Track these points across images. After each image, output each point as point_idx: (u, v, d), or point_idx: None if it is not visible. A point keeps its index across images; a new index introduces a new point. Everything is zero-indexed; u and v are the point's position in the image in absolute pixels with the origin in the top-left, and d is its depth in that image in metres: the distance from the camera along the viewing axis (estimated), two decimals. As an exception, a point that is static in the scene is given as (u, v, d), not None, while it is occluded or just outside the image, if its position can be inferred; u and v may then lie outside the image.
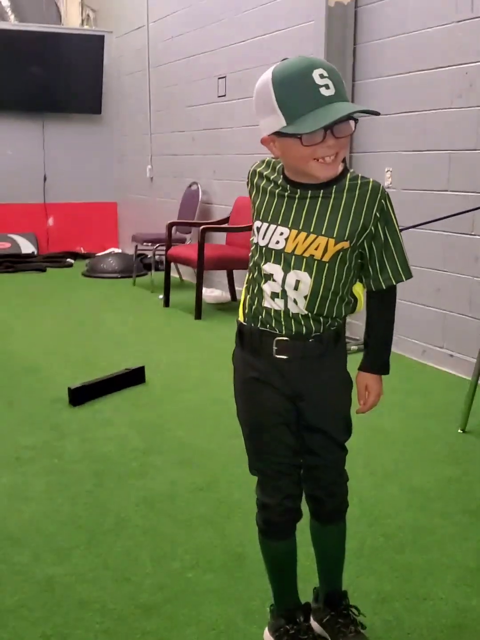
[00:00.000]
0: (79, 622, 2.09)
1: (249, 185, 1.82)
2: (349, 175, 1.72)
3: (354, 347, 4.74)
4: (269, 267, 1.73)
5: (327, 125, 1.55)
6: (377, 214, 1.71)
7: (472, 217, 4.17)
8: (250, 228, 1.83)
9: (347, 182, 1.70)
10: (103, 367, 4.40)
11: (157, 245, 6.94)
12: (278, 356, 1.76)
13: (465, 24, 4.10)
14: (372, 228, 1.72)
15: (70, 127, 9.16)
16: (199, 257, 5.79)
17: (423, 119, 4.45)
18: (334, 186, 1.69)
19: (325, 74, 1.56)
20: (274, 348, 1.76)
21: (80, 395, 3.83)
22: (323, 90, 1.55)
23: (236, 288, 6.53)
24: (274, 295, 1.74)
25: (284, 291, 1.72)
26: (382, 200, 1.71)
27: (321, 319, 1.75)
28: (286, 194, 1.72)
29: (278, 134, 1.63)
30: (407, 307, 4.71)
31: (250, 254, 1.80)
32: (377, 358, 1.86)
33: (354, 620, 1.97)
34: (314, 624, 2.01)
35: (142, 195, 8.73)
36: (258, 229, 1.75)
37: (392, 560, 2.41)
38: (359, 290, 1.83)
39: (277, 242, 1.72)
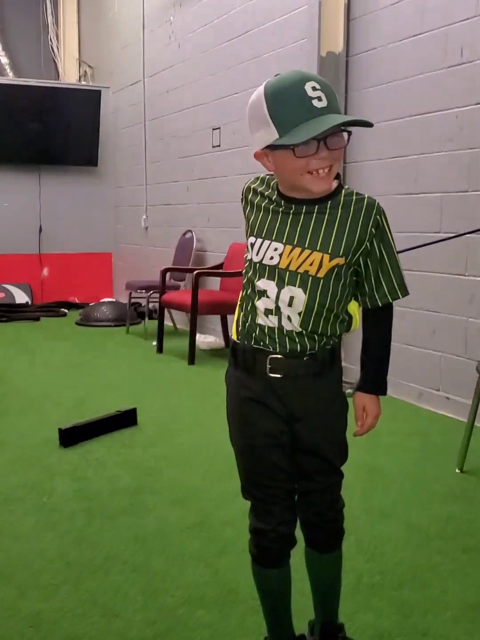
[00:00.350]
0: (65, 658, 2.01)
1: (243, 201, 1.80)
2: (344, 191, 1.70)
3: (349, 390, 4.71)
4: (262, 283, 1.71)
5: (318, 135, 1.54)
6: (373, 230, 1.69)
7: (465, 257, 4.18)
8: None
9: (342, 198, 1.69)
10: (95, 410, 4.34)
11: (151, 292, 6.94)
12: (272, 375, 1.72)
13: (454, 69, 4.17)
14: (368, 244, 1.70)
15: (66, 179, 9.24)
16: (193, 301, 5.78)
17: (415, 163, 4.50)
18: (329, 202, 1.68)
19: (318, 86, 1.56)
20: (268, 366, 1.72)
21: (71, 437, 3.77)
22: (315, 102, 1.55)
23: (229, 334, 6.49)
24: (268, 312, 1.71)
25: (277, 308, 1.69)
26: (378, 216, 1.69)
27: (316, 337, 1.72)
28: (280, 209, 1.70)
29: (271, 147, 1.62)
30: (403, 350, 4.69)
31: (243, 271, 1.78)
32: (375, 378, 1.82)
33: None
34: None
35: (137, 245, 8.78)
36: (252, 245, 1.73)
37: (390, 597, 2.33)
38: (354, 308, 1.80)
39: (271, 258, 1.70)
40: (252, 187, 1.79)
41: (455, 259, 4.25)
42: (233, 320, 1.83)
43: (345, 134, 1.61)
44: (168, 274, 6.73)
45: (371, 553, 2.62)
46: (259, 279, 1.71)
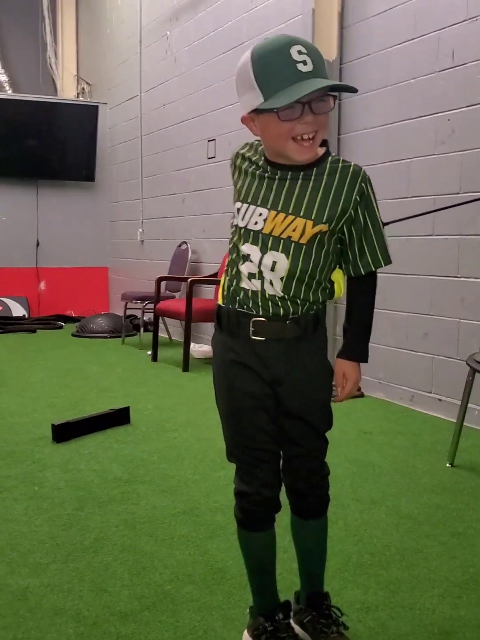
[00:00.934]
0: (51, 627, 2.01)
1: (232, 167, 1.83)
2: (330, 158, 1.72)
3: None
4: (246, 248, 1.73)
5: (301, 98, 1.56)
6: (357, 198, 1.70)
7: (457, 259, 4.22)
8: None
9: (328, 165, 1.70)
10: (88, 411, 4.36)
11: (146, 302, 6.97)
12: (255, 337, 1.74)
13: (446, 73, 4.23)
14: (352, 212, 1.71)
15: (63, 194, 9.30)
16: (187, 308, 5.81)
17: (408, 167, 4.55)
18: (315, 168, 1.70)
19: (304, 50, 1.58)
20: (251, 329, 1.74)
21: (64, 432, 3.78)
22: (300, 66, 1.56)
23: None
24: (251, 276, 1.73)
25: (260, 272, 1.72)
26: (363, 184, 1.71)
27: (298, 302, 1.73)
28: (266, 175, 1.72)
29: (257, 111, 1.65)
30: (395, 353, 4.72)
31: (230, 237, 1.80)
32: (356, 345, 1.84)
33: (337, 621, 1.90)
34: (294, 626, 1.93)
35: (133, 258, 8.82)
36: (238, 210, 1.76)
37: (377, 575, 2.34)
38: (338, 276, 1.82)
39: (256, 223, 1.72)
40: (240, 152, 1.81)
41: (446, 261, 4.29)
42: (219, 286, 1.86)
43: (330, 99, 1.62)
44: (163, 285, 6.76)
45: (360, 536, 2.62)
46: (243, 244, 1.74)
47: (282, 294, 1.72)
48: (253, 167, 1.76)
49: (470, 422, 3.95)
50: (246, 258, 1.73)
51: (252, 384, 1.76)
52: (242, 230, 1.75)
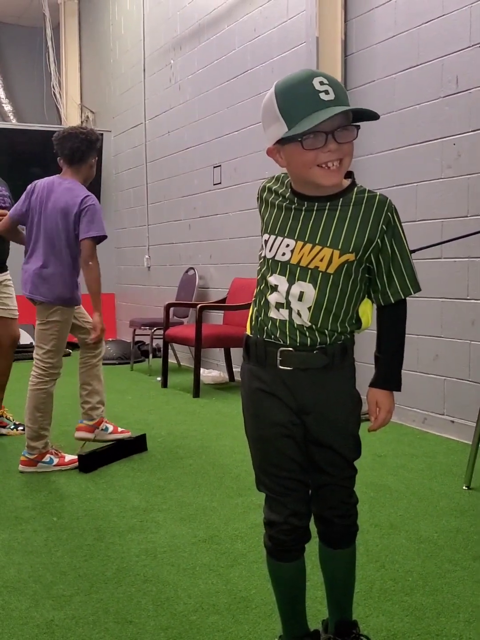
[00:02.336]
0: (80, 660, 2.01)
1: (259, 200, 1.86)
2: (356, 188, 1.74)
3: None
4: (274, 279, 1.75)
5: (322, 124, 1.58)
6: (384, 227, 1.72)
7: (467, 282, 4.24)
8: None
9: (354, 195, 1.73)
10: (101, 441, 4.38)
11: (155, 328, 7.00)
12: (282, 367, 1.76)
13: (450, 98, 4.28)
14: (379, 241, 1.73)
15: (69, 222, 9.33)
16: (197, 334, 5.83)
17: (415, 191, 4.59)
18: (341, 199, 1.72)
19: (326, 81, 1.62)
20: (279, 359, 1.76)
21: (89, 462, 3.76)
22: (322, 96, 1.60)
23: (234, 368, 6.53)
24: (279, 306, 1.75)
25: (288, 302, 1.74)
26: (389, 213, 1.72)
27: (326, 332, 1.75)
28: (293, 206, 1.75)
29: (282, 142, 1.67)
30: (406, 375, 4.69)
31: (258, 268, 1.83)
32: (388, 373, 1.84)
33: None
34: None
35: (140, 284, 8.85)
36: (266, 242, 1.78)
37: (402, 602, 2.34)
38: (365, 308, 1.84)
39: (283, 254, 1.74)
40: (267, 186, 1.84)
41: (456, 283, 4.31)
42: (248, 316, 1.88)
43: (354, 129, 1.65)
44: (171, 311, 6.79)
45: (382, 562, 2.62)
46: (271, 275, 1.76)
47: (310, 324, 1.74)
48: (280, 199, 1.78)
49: (485, 444, 3.95)
50: (274, 289, 1.75)
51: (279, 413, 1.78)
52: (270, 261, 1.77)
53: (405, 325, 1.85)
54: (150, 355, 7.24)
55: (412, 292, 1.79)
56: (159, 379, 6.50)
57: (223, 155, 6.74)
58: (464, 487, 3.44)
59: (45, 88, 10.25)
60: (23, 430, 4.41)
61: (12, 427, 4.84)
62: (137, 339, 7.73)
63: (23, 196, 4.12)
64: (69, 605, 2.33)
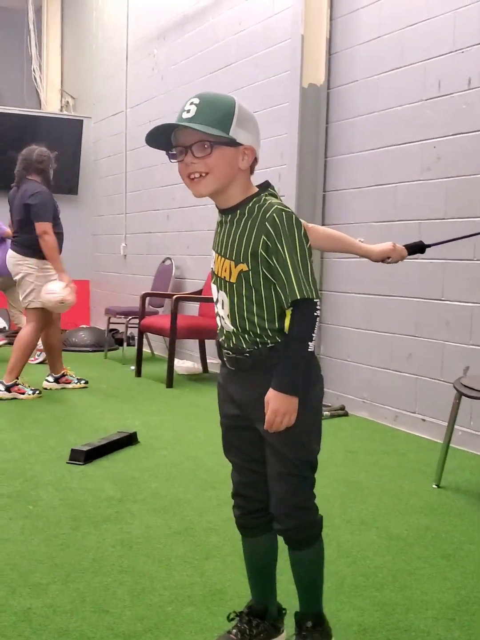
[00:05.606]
0: (57, 648, 2.04)
1: None
2: (254, 199, 1.83)
3: (326, 413, 4.80)
4: (213, 288, 1.93)
5: (182, 141, 1.80)
6: (265, 238, 1.78)
7: (442, 283, 4.31)
8: None
9: (250, 206, 1.83)
10: (75, 428, 4.41)
11: (130, 317, 7.01)
12: (228, 367, 1.93)
13: (432, 101, 4.34)
14: (262, 251, 1.79)
15: (45, 207, 9.28)
16: (172, 325, 5.85)
17: (394, 191, 4.65)
18: (238, 211, 1.84)
19: (197, 101, 1.80)
20: (225, 359, 1.93)
21: (81, 456, 3.76)
22: (183, 113, 1.80)
23: (208, 360, 6.57)
24: (217, 314, 1.92)
25: (218, 309, 1.91)
26: (267, 224, 1.77)
27: (248, 337, 1.85)
28: (218, 220, 1.92)
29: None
30: (379, 373, 4.80)
31: None
32: (280, 374, 1.81)
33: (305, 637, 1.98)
34: None
35: (116, 272, 8.85)
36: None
37: (372, 597, 2.40)
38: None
39: (212, 265, 1.93)
40: None
41: (432, 284, 4.38)
42: None
43: (205, 144, 1.77)
44: (147, 300, 6.80)
45: (353, 557, 2.68)
46: (213, 285, 1.94)
47: (232, 329, 1.87)
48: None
49: (454, 442, 4.03)
50: (214, 298, 1.93)
51: (226, 405, 1.97)
52: (212, 271, 1.94)
53: (303, 331, 1.79)
54: (125, 344, 7.25)
55: (298, 297, 1.76)
56: (133, 368, 6.52)
57: (204, 147, 6.74)
58: (434, 486, 3.51)
59: (25, 72, 10.17)
60: (86, 383, 5.81)
61: (75, 382, 5.81)
62: (111, 326, 7.73)
63: None
64: (46, 593, 2.36)
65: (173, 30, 7.30)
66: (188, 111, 1.78)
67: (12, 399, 5.23)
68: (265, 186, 1.88)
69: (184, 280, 7.23)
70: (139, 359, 6.37)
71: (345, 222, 4.99)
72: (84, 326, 8.88)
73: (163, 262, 7.51)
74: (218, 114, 1.79)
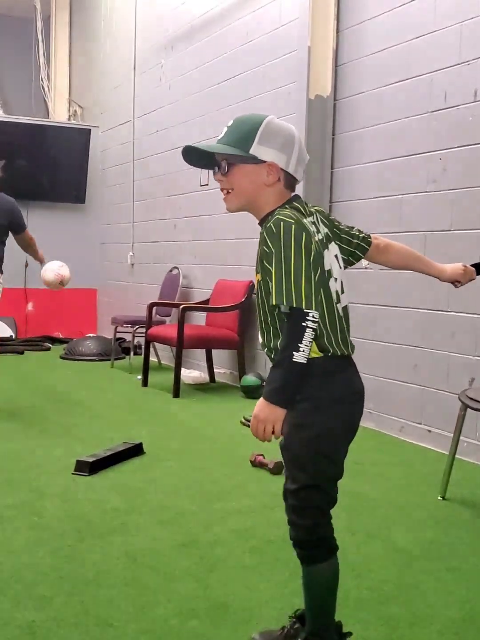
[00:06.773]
0: (61, 662, 2.04)
1: None
2: (271, 215, 1.88)
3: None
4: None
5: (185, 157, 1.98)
6: (263, 246, 1.86)
7: (447, 294, 4.31)
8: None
9: (268, 219, 1.89)
10: (82, 438, 4.42)
11: (137, 327, 7.02)
12: None
13: (438, 113, 4.35)
14: (263, 260, 1.87)
15: (54, 216, 9.34)
16: (179, 334, 5.86)
17: (399, 203, 4.65)
18: (263, 224, 1.92)
19: (230, 123, 1.95)
20: None
21: (86, 468, 3.76)
22: (220, 136, 1.94)
23: (215, 369, 6.57)
24: None
25: None
26: (264, 234, 1.86)
27: (270, 348, 1.92)
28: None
29: None
30: (385, 384, 4.80)
31: None
32: (267, 382, 1.87)
33: None
34: None
35: (123, 281, 8.88)
36: None
37: (377, 611, 2.40)
38: None
39: None
40: None
41: (438, 295, 4.38)
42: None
43: (223, 163, 1.91)
44: (154, 310, 6.81)
45: (358, 571, 2.68)
46: None
47: (261, 340, 1.96)
48: None
49: (460, 454, 4.02)
50: None
51: None
52: None
53: (287, 339, 1.79)
54: (132, 353, 7.26)
55: (274, 302, 1.78)
56: (139, 377, 6.52)
57: (211, 157, 6.76)
58: (439, 498, 3.51)
59: (33, 81, 10.22)
60: None
61: None
62: (118, 335, 7.74)
63: None
64: (50, 606, 2.36)
65: (181, 41, 7.33)
66: (222, 133, 1.93)
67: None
68: (291, 199, 1.94)
69: (191, 290, 7.24)
70: (146, 369, 6.38)
71: (352, 232, 4.98)
72: (91, 335, 8.90)
73: (170, 271, 7.52)
74: (240, 133, 1.91)
